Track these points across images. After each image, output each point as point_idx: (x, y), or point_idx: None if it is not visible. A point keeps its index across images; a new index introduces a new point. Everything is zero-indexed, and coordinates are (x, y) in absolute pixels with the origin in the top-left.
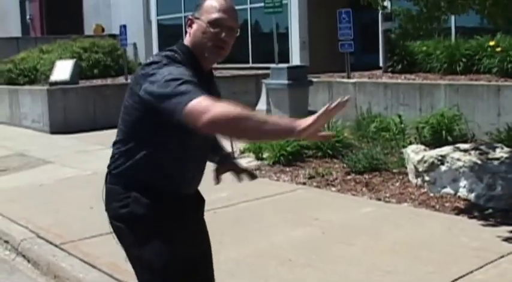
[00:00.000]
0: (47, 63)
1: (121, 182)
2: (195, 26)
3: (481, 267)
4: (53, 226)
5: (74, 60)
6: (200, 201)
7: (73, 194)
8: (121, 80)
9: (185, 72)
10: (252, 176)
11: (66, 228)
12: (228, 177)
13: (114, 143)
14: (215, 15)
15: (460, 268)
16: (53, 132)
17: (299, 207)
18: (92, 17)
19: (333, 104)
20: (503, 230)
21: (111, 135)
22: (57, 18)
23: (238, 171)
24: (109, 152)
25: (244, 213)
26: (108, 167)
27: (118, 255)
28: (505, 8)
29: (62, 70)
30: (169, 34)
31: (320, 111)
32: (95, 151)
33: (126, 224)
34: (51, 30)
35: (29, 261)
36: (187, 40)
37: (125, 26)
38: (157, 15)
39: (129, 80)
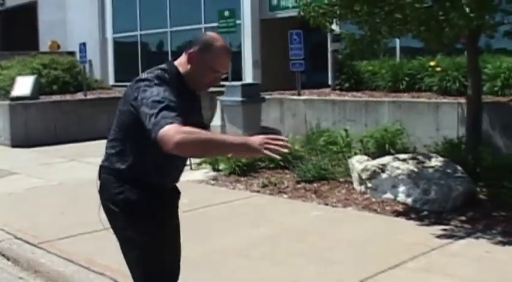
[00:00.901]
0: (6, 79)
1: (115, 175)
2: (197, 61)
3: (414, 258)
4: (28, 229)
5: (35, 76)
6: (177, 192)
7: (43, 202)
8: (80, 95)
9: (170, 96)
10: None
11: (41, 230)
12: (187, 185)
13: (109, 141)
14: (222, 63)
15: (395, 259)
16: (14, 145)
17: (254, 212)
18: (48, 34)
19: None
20: (436, 229)
21: (71, 149)
22: (11, 34)
23: None
24: (69, 164)
25: (204, 217)
26: (103, 161)
27: (92, 252)
28: (438, 33)
29: (23, 86)
30: (125, 52)
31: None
32: (57, 164)
33: (119, 208)
34: (5, 46)
35: (8, 259)
36: (182, 66)
37: (84, 44)
38: (113, 33)
39: (88, 96)
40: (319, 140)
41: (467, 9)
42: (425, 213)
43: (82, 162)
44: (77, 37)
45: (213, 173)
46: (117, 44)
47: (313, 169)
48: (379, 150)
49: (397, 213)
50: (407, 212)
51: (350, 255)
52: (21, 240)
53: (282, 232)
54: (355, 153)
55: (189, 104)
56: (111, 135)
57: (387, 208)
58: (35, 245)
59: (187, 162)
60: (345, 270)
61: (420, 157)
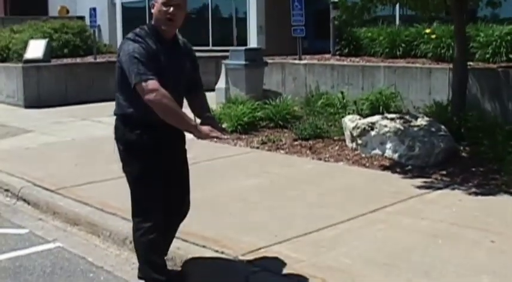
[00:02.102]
0: (18, 43)
1: (122, 120)
2: (155, 8)
3: (393, 204)
4: (46, 177)
5: (46, 39)
6: (180, 134)
7: (58, 155)
8: (90, 59)
9: (142, 51)
10: (226, 131)
11: (57, 178)
12: (193, 141)
13: (115, 93)
14: None
15: (376, 204)
16: (27, 106)
17: (252, 164)
18: None
19: (214, 134)
20: (418, 181)
21: (82, 109)
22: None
23: (217, 128)
24: (80, 123)
25: (207, 168)
26: (114, 111)
27: (105, 197)
28: (424, 1)
29: (35, 49)
30: (133, 17)
31: (205, 132)
32: (69, 122)
33: (123, 146)
34: (15, 11)
35: (29, 203)
36: (153, 19)
37: (94, 9)
38: None
39: (97, 60)
40: (318, 102)
41: None
42: (409, 167)
43: (93, 121)
44: (86, 2)
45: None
46: (125, 9)
47: (310, 128)
48: (374, 112)
49: (384, 168)
50: (393, 167)
51: (335, 200)
52: (40, 187)
53: (277, 181)
54: (349, 114)
55: (169, 52)
56: (115, 88)
57: (375, 163)
58: (52, 191)
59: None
60: (329, 212)
61: (407, 117)
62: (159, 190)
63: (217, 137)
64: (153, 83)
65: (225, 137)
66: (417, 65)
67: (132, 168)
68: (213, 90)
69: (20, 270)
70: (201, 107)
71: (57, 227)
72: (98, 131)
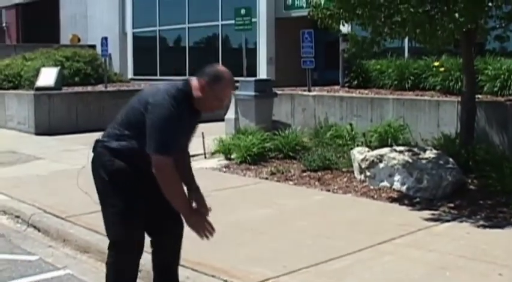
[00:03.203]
0: (30, 70)
1: (109, 151)
2: (207, 91)
3: (402, 236)
4: (56, 205)
5: (58, 68)
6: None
7: (68, 183)
8: (100, 87)
9: (175, 121)
10: (207, 209)
11: (68, 206)
12: (201, 171)
13: (116, 124)
14: (228, 94)
15: (385, 236)
16: (38, 133)
17: (261, 195)
18: (69, 27)
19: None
20: (426, 213)
21: (92, 137)
22: (33, 27)
23: (204, 205)
24: (90, 151)
25: (215, 199)
26: (103, 137)
27: None
28: (432, 35)
29: (47, 76)
30: (144, 46)
31: (198, 226)
32: (79, 150)
33: (108, 175)
34: (27, 38)
35: (39, 230)
36: (195, 90)
37: (106, 38)
38: (133, 27)
39: (108, 88)
40: (327, 134)
41: (456, 15)
42: (417, 199)
43: None
44: (97, 31)
45: (225, 162)
46: (136, 38)
47: (319, 159)
48: (382, 145)
49: (392, 200)
50: (401, 199)
51: (343, 233)
52: (50, 214)
53: (285, 212)
54: (357, 145)
55: (191, 120)
56: (118, 119)
57: (383, 195)
58: (62, 218)
59: (202, 152)
60: (337, 243)
61: (415, 149)
62: (140, 226)
63: (206, 236)
64: (168, 160)
65: (208, 233)
66: (426, 97)
67: (116, 200)
68: (223, 120)
69: None
70: (189, 172)
71: (67, 255)
72: None
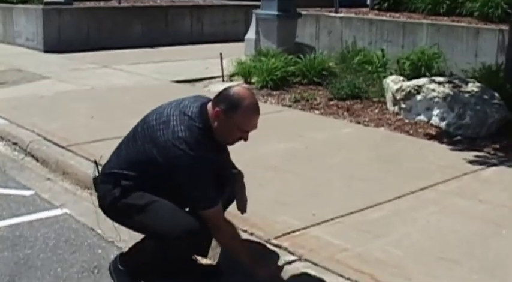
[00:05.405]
0: None
1: (112, 183)
2: (225, 122)
3: (445, 181)
4: (58, 131)
5: None
6: None
7: (74, 105)
8: (113, 3)
9: (209, 171)
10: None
11: (71, 133)
12: None
13: (124, 162)
14: (250, 123)
15: (426, 181)
16: (47, 50)
17: (284, 126)
18: None
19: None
20: (469, 154)
21: (103, 55)
22: None
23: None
24: (101, 71)
25: None
26: (110, 168)
27: None
28: None
29: None
30: None
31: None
32: (89, 69)
33: (120, 190)
34: None
35: (37, 160)
36: (211, 119)
37: None
38: None
39: (122, 4)
40: (354, 59)
41: None
42: (458, 138)
43: (115, 69)
44: None
45: (245, 85)
46: None
47: (347, 87)
48: (415, 72)
49: (430, 137)
50: (440, 136)
51: (378, 173)
52: (51, 142)
53: (312, 147)
54: (391, 74)
55: (222, 155)
56: (121, 154)
57: (420, 130)
58: (63, 147)
59: (220, 74)
60: (372, 187)
61: (457, 81)
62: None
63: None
64: (218, 213)
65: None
66: (463, 24)
67: (145, 199)
68: (242, 40)
69: (19, 241)
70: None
71: (66, 190)
72: (118, 80)
